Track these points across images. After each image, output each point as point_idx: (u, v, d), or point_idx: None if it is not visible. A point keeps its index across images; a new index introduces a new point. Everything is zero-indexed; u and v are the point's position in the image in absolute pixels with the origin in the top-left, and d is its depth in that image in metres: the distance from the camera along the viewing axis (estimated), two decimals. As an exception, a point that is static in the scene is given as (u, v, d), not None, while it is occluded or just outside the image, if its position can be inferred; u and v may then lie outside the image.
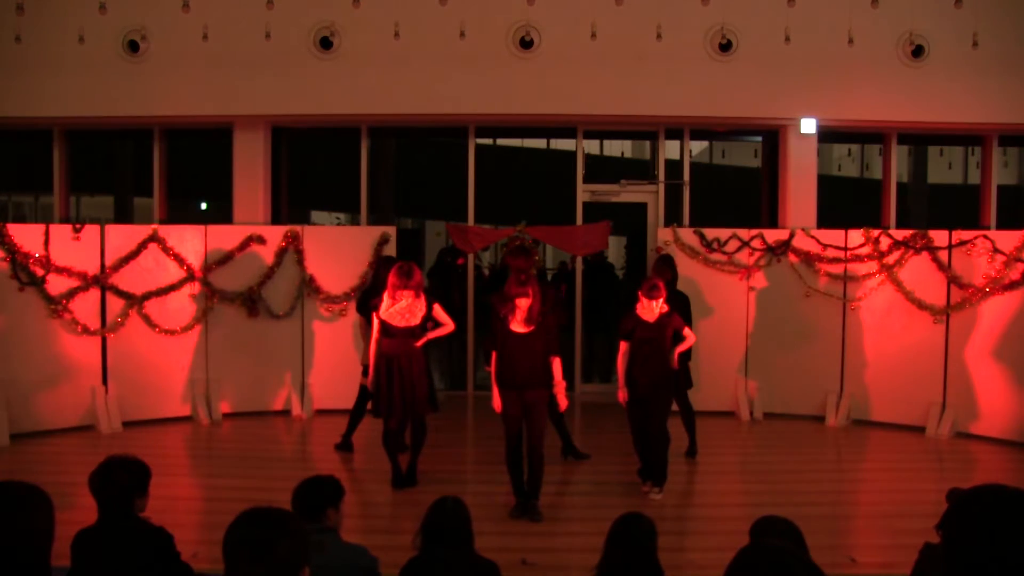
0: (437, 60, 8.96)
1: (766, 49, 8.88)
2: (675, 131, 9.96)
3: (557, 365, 5.88)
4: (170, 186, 10.30)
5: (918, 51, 9.01)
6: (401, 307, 6.27)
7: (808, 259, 8.81)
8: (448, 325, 6.54)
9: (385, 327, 6.29)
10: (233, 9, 8.90)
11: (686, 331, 6.38)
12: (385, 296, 6.32)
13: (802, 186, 9.54)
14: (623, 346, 6.33)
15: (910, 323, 8.38)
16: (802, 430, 8.48)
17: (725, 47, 9.02)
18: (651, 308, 6.17)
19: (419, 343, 6.37)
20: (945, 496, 2.97)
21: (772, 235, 9.00)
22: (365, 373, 7.32)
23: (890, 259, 8.49)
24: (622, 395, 6.33)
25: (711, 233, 8.98)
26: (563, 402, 5.99)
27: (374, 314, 6.35)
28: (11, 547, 2.02)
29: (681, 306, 6.99)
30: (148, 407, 8.37)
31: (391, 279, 6.25)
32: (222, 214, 10.55)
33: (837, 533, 5.65)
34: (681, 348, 6.41)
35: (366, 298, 7.32)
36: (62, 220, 9.80)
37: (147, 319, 8.31)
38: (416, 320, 6.33)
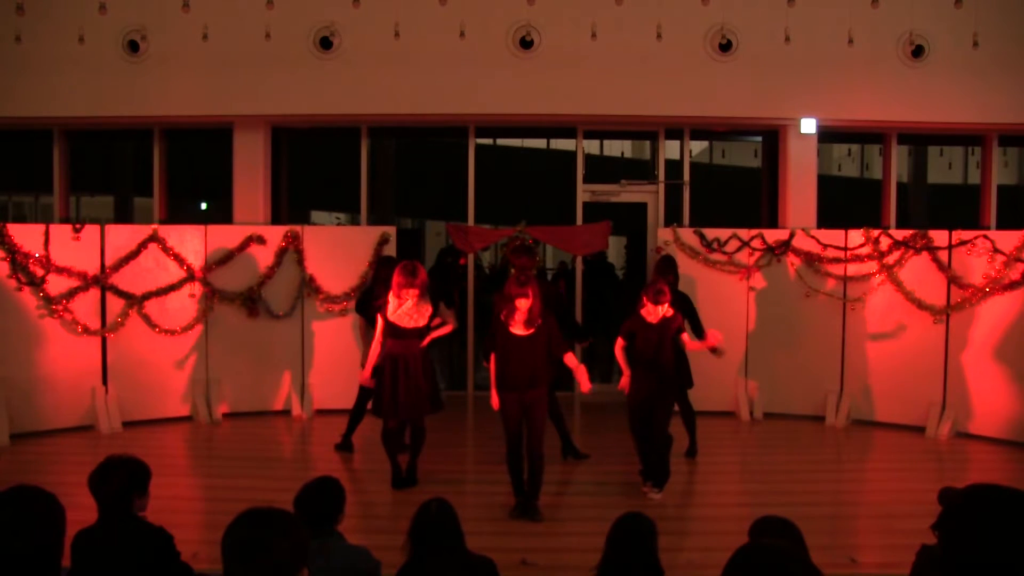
0: (437, 60, 8.96)
1: (766, 49, 8.88)
2: (675, 131, 9.96)
3: (570, 358, 5.95)
4: (170, 186, 10.30)
5: (918, 51, 9.01)
6: (408, 307, 6.25)
7: (808, 259, 8.81)
8: (449, 325, 6.55)
9: (393, 328, 6.28)
10: (233, 9, 8.90)
11: (684, 337, 6.35)
12: (390, 297, 6.30)
13: (802, 186, 9.54)
14: (620, 341, 6.33)
15: (910, 323, 8.38)
16: (802, 430, 8.48)
17: (725, 47, 9.02)
18: (655, 312, 6.16)
19: (423, 343, 6.37)
20: (937, 496, 2.97)
21: (772, 235, 9.00)
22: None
23: (890, 259, 8.48)
24: (624, 381, 6.33)
25: (711, 233, 8.98)
26: (586, 383, 5.93)
27: (379, 316, 6.34)
28: (24, 552, 2.03)
29: (684, 307, 6.99)
30: (148, 407, 8.37)
31: (396, 278, 6.22)
32: (222, 214, 10.55)
33: (837, 533, 5.65)
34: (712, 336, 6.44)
35: (366, 298, 7.31)
36: (62, 220, 9.80)
37: (147, 319, 8.31)
38: (423, 320, 6.31)
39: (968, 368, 8.11)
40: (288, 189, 10.33)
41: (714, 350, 6.87)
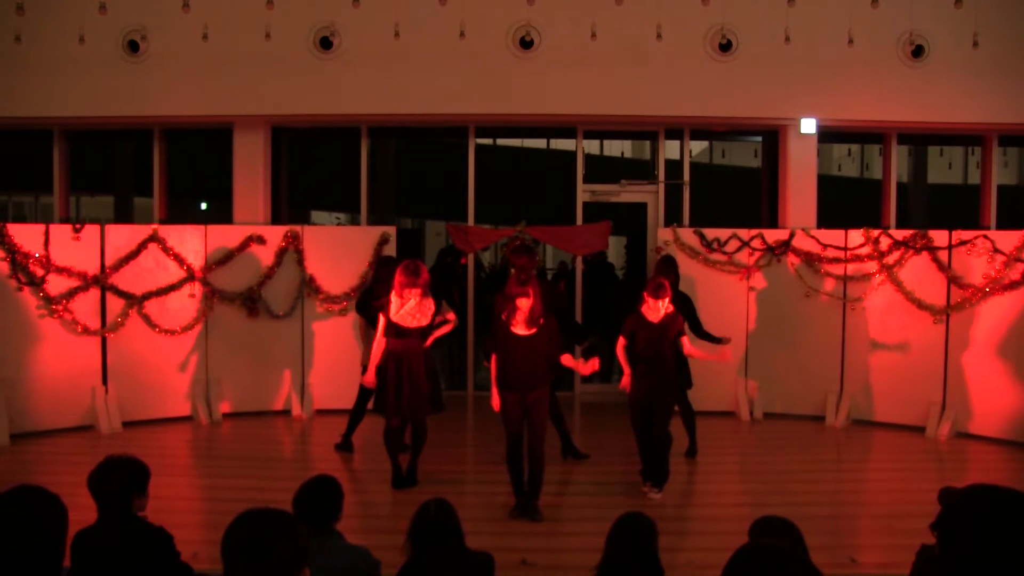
0: (437, 60, 8.96)
1: (766, 49, 8.88)
2: (675, 131, 9.96)
3: (567, 358, 5.95)
4: (170, 186, 10.31)
5: (918, 51, 9.01)
6: (411, 307, 6.24)
7: (808, 259, 8.81)
8: (450, 322, 6.55)
9: (395, 328, 6.27)
10: (233, 9, 8.90)
11: (684, 340, 6.34)
12: (392, 296, 6.29)
13: (802, 186, 9.55)
14: (622, 340, 6.33)
15: (910, 323, 8.38)
16: (802, 430, 8.48)
17: (725, 47, 9.02)
18: (656, 308, 6.15)
19: (427, 343, 6.36)
20: (937, 496, 2.97)
21: (772, 235, 9.00)
22: (365, 373, 7.33)
23: (890, 259, 8.48)
24: (625, 381, 6.33)
25: (711, 233, 8.98)
26: (592, 366, 5.96)
27: (381, 315, 6.33)
28: (26, 552, 2.03)
29: (684, 307, 7.00)
30: (148, 407, 8.37)
31: (398, 278, 6.20)
32: (222, 214, 10.55)
33: (837, 533, 5.65)
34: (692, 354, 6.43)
35: (366, 298, 7.31)
36: (62, 220, 9.80)
37: (147, 319, 8.31)
38: (426, 320, 6.29)
39: (968, 368, 8.11)
40: (288, 189, 10.32)
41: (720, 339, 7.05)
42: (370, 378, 6.45)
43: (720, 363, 6.58)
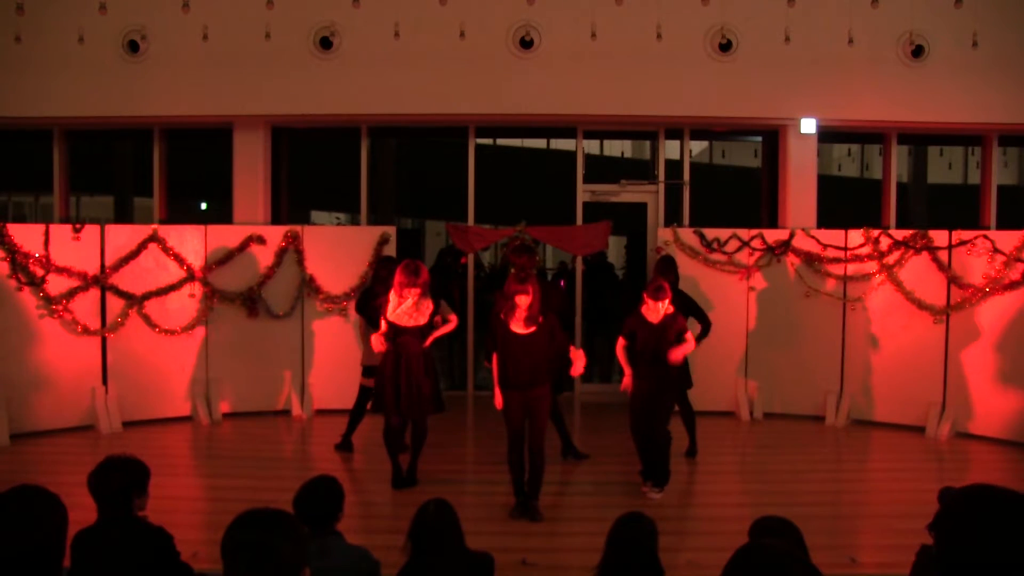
0: (437, 60, 8.96)
1: (766, 49, 8.88)
2: (675, 131, 9.96)
3: (572, 350, 5.93)
4: (170, 186, 10.31)
5: (918, 51, 9.01)
6: (408, 306, 6.24)
7: (808, 259, 8.81)
8: (451, 322, 6.55)
9: (392, 327, 6.28)
10: (233, 9, 8.90)
11: (687, 335, 6.32)
12: (391, 296, 6.29)
13: (802, 186, 9.55)
14: (621, 340, 6.33)
15: (910, 323, 8.38)
16: (802, 430, 8.48)
17: (725, 47, 9.03)
18: (656, 310, 6.15)
19: (426, 343, 6.36)
20: (937, 496, 2.97)
21: (772, 235, 9.00)
22: (365, 373, 7.33)
23: (890, 259, 8.48)
24: (626, 382, 6.32)
25: (711, 233, 8.98)
26: (579, 367, 5.90)
27: (381, 316, 6.33)
28: (26, 552, 2.03)
29: (685, 305, 6.99)
30: (148, 407, 8.37)
31: (398, 277, 6.21)
32: (222, 214, 10.55)
33: (837, 533, 5.64)
34: (682, 350, 6.29)
35: (365, 298, 7.31)
36: (62, 220, 9.81)
37: (147, 319, 8.31)
38: (424, 319, 6.30)
39: (968, 368, 8.11)
40: (288, 189, 10.33)
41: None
42: (378, 342, 6.29)
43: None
